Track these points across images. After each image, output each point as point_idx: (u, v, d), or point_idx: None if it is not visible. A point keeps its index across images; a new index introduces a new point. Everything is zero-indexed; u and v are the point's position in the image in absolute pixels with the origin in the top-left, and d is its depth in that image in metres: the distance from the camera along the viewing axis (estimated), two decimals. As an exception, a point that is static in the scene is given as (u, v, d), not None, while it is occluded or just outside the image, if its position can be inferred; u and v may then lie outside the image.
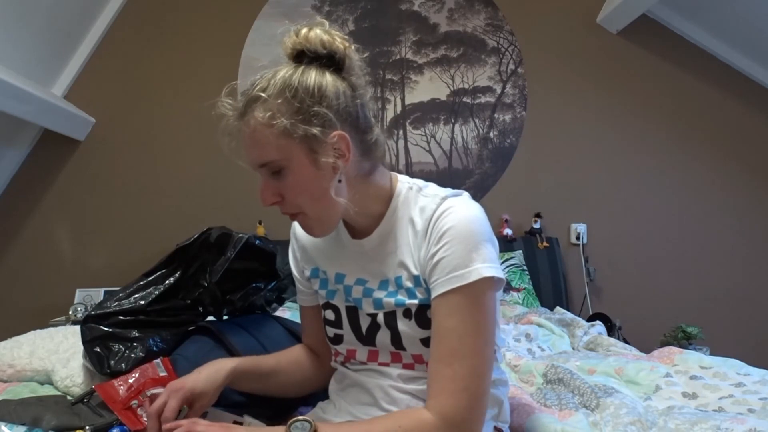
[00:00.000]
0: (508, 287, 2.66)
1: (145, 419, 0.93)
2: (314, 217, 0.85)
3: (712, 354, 1.75)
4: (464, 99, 3.06)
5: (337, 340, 0.96)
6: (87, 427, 0.94)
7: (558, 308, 2.54)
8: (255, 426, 0.95)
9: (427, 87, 3.07)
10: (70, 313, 2.61)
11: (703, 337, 2.46)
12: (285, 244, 1.10)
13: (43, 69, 2.86)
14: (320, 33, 0.82)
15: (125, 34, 3.08)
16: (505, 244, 2.82)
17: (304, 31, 0.82)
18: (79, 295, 2.83)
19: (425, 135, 3.06)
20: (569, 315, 2.31)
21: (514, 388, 1.25)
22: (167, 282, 1.21)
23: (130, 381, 1.02)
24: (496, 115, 3.05)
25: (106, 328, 1.15)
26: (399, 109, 3.06)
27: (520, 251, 2.82)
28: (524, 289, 2.69)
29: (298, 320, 1.17)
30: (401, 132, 3.05)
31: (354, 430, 0.81)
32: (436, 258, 0.81)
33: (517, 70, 3.06)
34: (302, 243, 1.00)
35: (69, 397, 1.09)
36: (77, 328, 1.23)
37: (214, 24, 3.10)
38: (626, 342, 2.09)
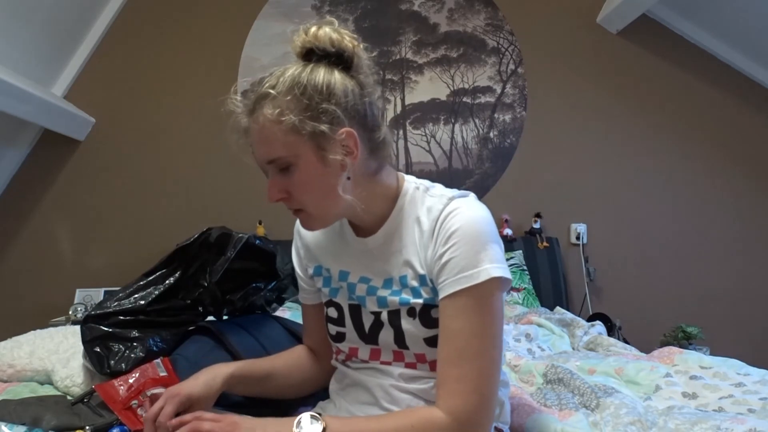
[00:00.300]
0: (508, 287, 2.66)
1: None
2: (316, 213, 0.86)
3: (712, 354, 1.75)
4: (464, 99, 3.06)
5: (339, 338, 0.96)
6: (87, 427, 0.94)
7: (558, 308, 2.54)
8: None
9: (427, 87, 3.07)
10: (70, 313, 2.61)
11: (703, 337, 2.46)
12: (285, 244, 1.10)
13: (43, 69, 2.86)
14: (329, 31, 0.82)
15: (125, 34, 3.08)
16: (505, 244, 2.78)
17: (313, 29, 0.83)
18: (79, 295, 2.83)
19: (425, 135, 3.06)
20: (569, 315, 2.31)
21: (514, 388, 1.25)
22: (167, 282, 1.20)
23: (130, 381, 1.02)
24: (496, 115, 3.05)
25: (106, 328, 1.14)
26: (399, 109, 3.06)
27: (520, 251, 2.82)
28: (524, 289, 2.69)
29: (298, 320, 1.17)
30: (401, 132, 3.05)
31: (364, 426, 0.81)
32: (444, 259, 0.81)
33: (517, 70, 3.06)
34: (306, 241, 1.01)
35: (69, 397, 1.09)
36: (77, 328, 1.23)
37: (214, 24, 3.10)
38: (626, 342, 2.08)
